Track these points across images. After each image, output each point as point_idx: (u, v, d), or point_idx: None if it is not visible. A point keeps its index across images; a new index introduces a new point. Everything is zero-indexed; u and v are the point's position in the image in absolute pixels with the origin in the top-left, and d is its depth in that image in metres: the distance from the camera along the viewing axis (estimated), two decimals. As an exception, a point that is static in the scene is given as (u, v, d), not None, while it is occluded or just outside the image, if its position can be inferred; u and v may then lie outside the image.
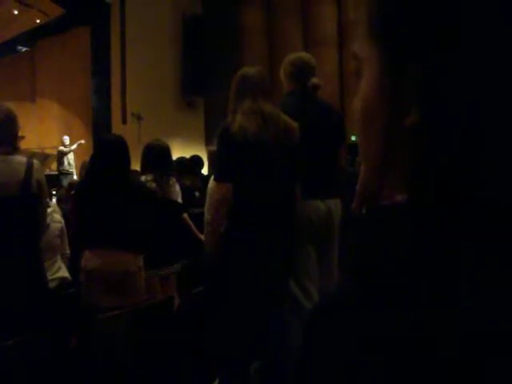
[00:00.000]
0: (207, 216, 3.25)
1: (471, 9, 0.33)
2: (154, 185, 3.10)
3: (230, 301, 2.28)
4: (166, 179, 3.24)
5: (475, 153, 0.34)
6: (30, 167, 2.43)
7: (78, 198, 2.79)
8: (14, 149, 2.50)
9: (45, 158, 9.44)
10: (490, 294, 0.31)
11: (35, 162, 2.53)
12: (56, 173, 9.72)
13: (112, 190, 2.59)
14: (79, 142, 9.98)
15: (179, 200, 3.38)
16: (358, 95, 0.43)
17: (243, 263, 2.24)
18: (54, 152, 10.22)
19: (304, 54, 2.85)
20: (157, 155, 3.19)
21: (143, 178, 3.13)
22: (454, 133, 0.34)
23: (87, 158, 6.62)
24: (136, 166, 3.42)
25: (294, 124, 2.36)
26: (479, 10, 0.33)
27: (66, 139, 10.04)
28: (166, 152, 3.27)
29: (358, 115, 0.42)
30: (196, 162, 5.06)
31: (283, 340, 2.36)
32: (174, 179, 3.37)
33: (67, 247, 3.47)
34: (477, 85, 0.33)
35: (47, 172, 9.01)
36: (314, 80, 2.69)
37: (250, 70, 2.44)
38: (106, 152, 2.62)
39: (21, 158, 2.48)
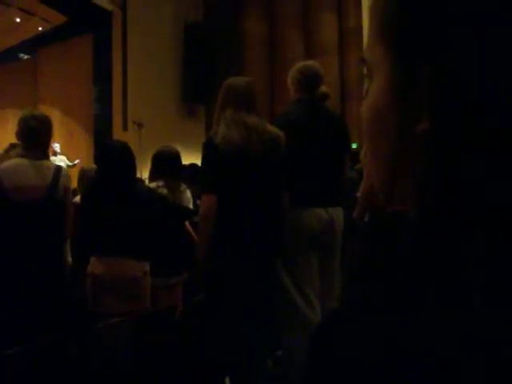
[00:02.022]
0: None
1: (485, 10, 0.33)
2: (165, 191, 3.08)
3: (223, 307, 2.31)
4: (177, 185, 3.22)
5: (487, 158, 0.33)
6: (57, 173, 2.52)
7: (84, 205, 2.79)
8: (45, 155, 2.60)
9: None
10: (495, 294, 0.31)
11: (64, 168, 2.62)
12: None
13: (118, 196, 2.59)
14: (75, 161, 9.95)
15: (190, 206, 3.36)
16: (366, 101, 0.42)
17: (230, 272, 2.27)
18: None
19: (312, 63, 2.85)
20: (167, 161, 3.17)
21: (154, 184, 3.11)
22: (466, 139, 0.34)
23: (85, 165, 6.64)
24: (138, 173, 3.42)
25: (280, 133, 2.35)
26: (494, 12, 0.33)
27: (56, 146, 10.05)
28: (176, 158, 3.25)
29: (367, 121, 0.41)
30: (195, 170, 5.05)
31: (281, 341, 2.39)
32: (185, 185, 3.35)
33: (69, 253, 3.45)
34: (490, 90, 0.33)
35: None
36: (323, 89, 2.69)
37: (236, 80, 2.42)
38: (112, 159, 2.62)
39: (50, 163, 2.58)
